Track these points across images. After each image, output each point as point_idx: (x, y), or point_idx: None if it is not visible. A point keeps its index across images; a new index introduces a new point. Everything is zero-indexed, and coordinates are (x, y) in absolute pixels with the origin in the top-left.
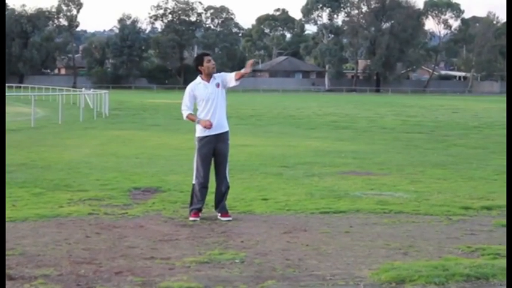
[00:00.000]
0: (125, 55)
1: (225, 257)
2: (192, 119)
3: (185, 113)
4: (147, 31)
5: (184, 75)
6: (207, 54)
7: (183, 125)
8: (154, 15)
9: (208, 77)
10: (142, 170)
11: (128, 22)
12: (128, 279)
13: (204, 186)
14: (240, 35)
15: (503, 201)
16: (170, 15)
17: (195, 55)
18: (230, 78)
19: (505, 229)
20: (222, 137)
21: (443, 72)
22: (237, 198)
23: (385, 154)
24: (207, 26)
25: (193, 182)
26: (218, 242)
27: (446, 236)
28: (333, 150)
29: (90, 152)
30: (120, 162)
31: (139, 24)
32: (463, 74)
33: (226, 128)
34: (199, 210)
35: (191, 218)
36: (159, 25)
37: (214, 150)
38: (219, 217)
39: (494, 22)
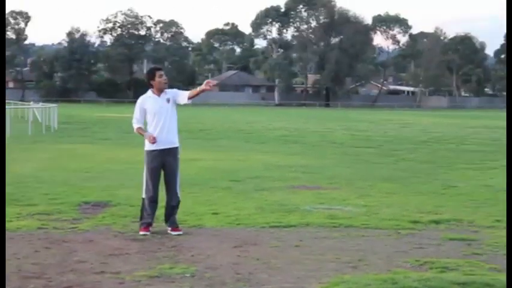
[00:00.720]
0: (73, 68)
1: (176, 271)
2: (141, 133)
3: (135, 126)
4: (96, 45)
5: (133, 89)
6: (159, 69)
7: (133, 138)
8: (103, 29)
9: (159, 91)
10: (92, 184)
11: (77, 35)
12: None
13: (153, 201)
14: (190, 49)
15: (451, 215)
16: (119, 29)
17: (145, 69)
18: (182, 95)
19: (452, 243)
20: (170, 152)
21: (391, 87)
22: (187, 212)
23: (334, 168)
24: (157, 40)
25: (143, 196)
26: (169, 256)
27: (395, 249)
28: (283, 164)
29: (39, 166)
30: (69, 176)
31: (88, 38)
32: (411, 89)
33: (175, 144)
34: (150, 224)
35: (141, 232)
36: (108, 39)
37: (163, 164)
38: (169, 231)
39: (442, 38)
